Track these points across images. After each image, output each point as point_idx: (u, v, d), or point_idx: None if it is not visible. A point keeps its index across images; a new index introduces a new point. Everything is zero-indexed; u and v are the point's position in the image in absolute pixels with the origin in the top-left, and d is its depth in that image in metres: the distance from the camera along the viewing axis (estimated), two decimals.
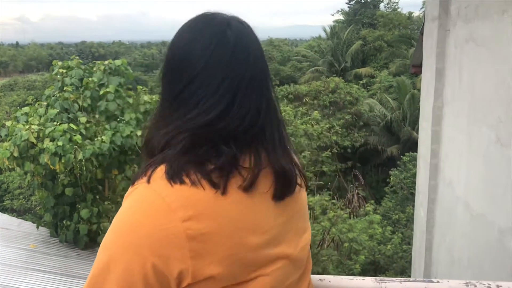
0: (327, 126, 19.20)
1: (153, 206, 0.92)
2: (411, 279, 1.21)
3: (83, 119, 7.59)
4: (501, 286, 1.20)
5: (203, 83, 1.00)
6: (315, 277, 1.31)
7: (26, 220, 10.23)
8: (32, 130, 7.05)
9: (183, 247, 0.90)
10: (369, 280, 1.20)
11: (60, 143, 6.91)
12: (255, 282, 0.98)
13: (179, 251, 0.90)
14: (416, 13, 34.24)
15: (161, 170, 0.97)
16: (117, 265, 0.90)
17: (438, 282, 1.18)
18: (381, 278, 1.19)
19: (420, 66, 4.54)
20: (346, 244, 10.29)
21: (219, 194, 0.94)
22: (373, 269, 10.94)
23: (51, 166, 7.01)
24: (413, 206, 5.23)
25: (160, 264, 0.90)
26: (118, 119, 7.83)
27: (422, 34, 4.50)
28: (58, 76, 8.26)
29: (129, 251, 0.91)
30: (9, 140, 7.18)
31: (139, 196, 0.95)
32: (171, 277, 0.91)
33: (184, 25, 1.08)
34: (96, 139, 7.36)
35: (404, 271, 10.12)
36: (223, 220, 0.94)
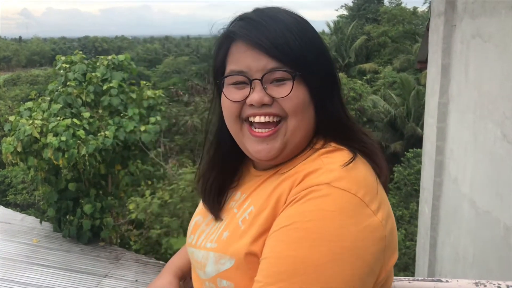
0: None
1: (350, 206, 0.86)
2: (419, 278, 1.20)
3: (86, 114, 7.58)
4: (511, 286, 1.18)
5: None
6: None
7: (29, 215, 10.25)
8: (35, 125, 7.04)
9: (383, 239, 0.87)
10: None
11: (63, 138, 6.90)
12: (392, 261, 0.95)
13: (382, 243, 0.87)
14: (421, 8, 34.01)
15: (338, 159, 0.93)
16: (333, 280, 0.81)
17: (447, 281, 1.16)
18: None
19: (426, 61, 4.50)
20: None
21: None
22: None
23: (54, 161, 7.01)
24: (417, 202, 5.22)
25: (376, 264, 0.86)
26: (122, 114, 7.82)
27: (427, 29, 4.46)
28: (61, 71, 8.24)
29: (352, 260, 0.83)
30: (13, 135, 7.19)
31: (331, 203, 0.86)
32: (376, 275, 0.87)
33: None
34: (99, 134, 7.35)
35: (407, 268, 10.12)
36: (387, 201, 0.94)
